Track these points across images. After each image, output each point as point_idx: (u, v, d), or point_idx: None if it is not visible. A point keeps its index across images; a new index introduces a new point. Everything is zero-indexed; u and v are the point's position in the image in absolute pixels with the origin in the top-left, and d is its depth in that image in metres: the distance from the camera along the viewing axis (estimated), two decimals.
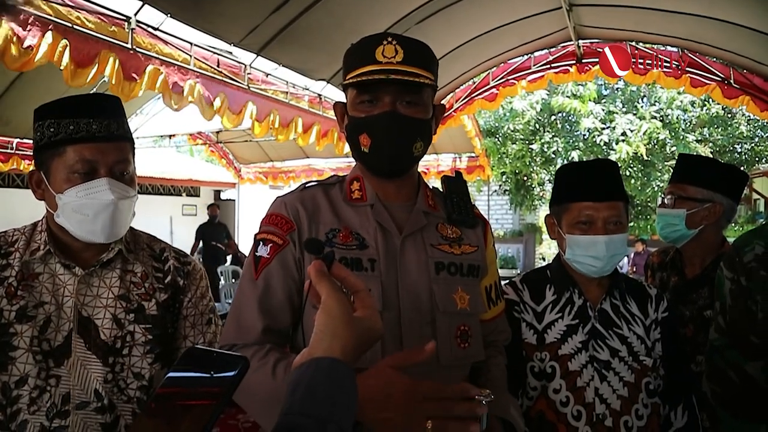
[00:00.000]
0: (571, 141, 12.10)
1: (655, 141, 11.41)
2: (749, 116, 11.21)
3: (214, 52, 4.66)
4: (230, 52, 4.86)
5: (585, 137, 12.12)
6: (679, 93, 11.02)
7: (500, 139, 12.48)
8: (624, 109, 11.95)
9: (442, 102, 6.74)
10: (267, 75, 5.28)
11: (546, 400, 1.45)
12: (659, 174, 11.44)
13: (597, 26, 6.12)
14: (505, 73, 6.94)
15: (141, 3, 3.76)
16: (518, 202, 13.64)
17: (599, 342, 1.47)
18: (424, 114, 1.18)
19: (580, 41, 6.46)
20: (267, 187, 12.07)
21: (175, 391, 0.65)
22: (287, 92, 5.51)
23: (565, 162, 11.01)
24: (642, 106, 12.08)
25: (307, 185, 1.27)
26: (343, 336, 0.75)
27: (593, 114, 11.24)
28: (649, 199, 12.34)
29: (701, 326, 1.81)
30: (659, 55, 6.21)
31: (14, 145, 6.47)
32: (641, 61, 6.24)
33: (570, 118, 12.31)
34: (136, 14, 3.80)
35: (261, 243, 1.18)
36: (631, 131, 11.06)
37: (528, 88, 7.31)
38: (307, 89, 5.80)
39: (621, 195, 1.49)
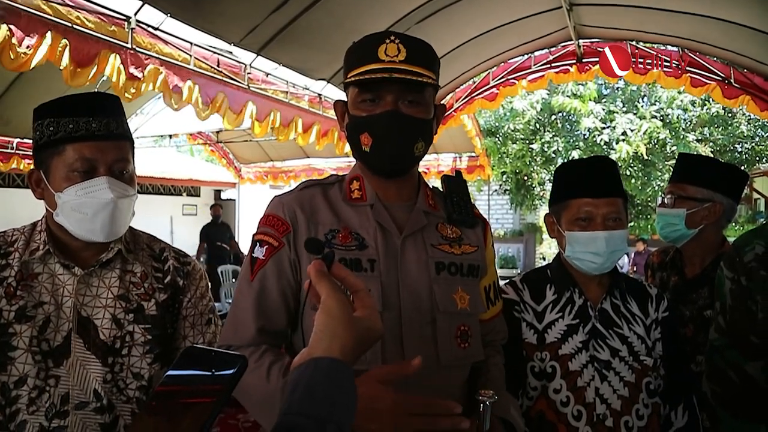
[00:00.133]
0: (571, 140, 12.10)
1: (655, 140, 11.41)
2: (750, 116, 11.20)
3: (214, 52, 4.66)
4: (230, 52, 4.86)
5: (585, 137, 12.12)
6: (679, 92, 11.01)
7: (500, 138, 12.48)
8: (624, 109, 11.94)
9: (443, 102, 6.74)
10: (267, 75, 5.28)
11: (546, 400, 1.45)
12: (659, 173, 11.43)
13: (597, 26, 6.12)
14: (506, 72, 6.94)
15: (141, 3, 3.76)
16: (518, 202, 13.64)
17: (600, 342, 1.47)
18: (425, 114, 1.17)
19: (581, 41, 6.46)
20: (267, 187, 12.07)
21: (175, 389, 0.65)
22: (287, 92, 5.51)
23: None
24: (642, 106, 12.08)
25: (305, 185, 1.27)
26: (342, 336, 0.75)
27: (593, 113, 11.24)
28: (649, 199, 12.33)
29: (701, 326, 1.80)
30: (659, 55, 6.21)
31: (14, 145, 6.48)
32: (641, 60, 6.23)
33: (570, 117, 12.30)
34: (135, 14, 3.80)
35: (258, 244, 1.18)
36: (632, 131, 11.06)
37: (528, 88, 7.31)
38: (307, 89, 5.80)
39: (619, 192, 1.49)
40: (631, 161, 11.15)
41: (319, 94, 5.94)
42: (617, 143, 11.03)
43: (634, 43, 6.31)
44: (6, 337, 1.19)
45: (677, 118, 11.69)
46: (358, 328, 0.77)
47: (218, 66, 4.63)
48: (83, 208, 1.23)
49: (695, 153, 9.16)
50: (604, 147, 11.30)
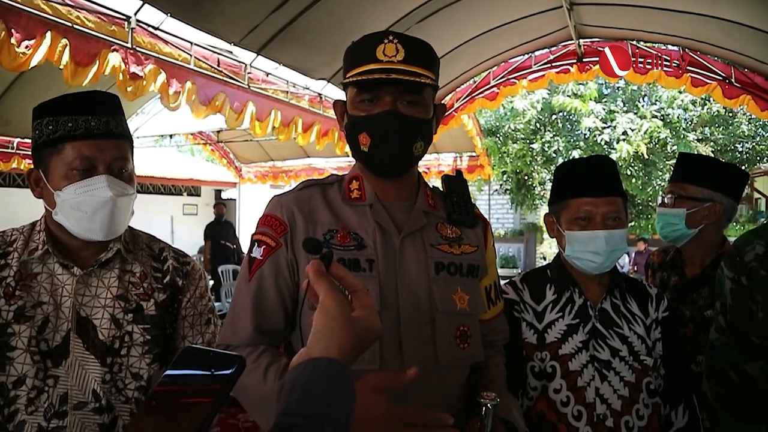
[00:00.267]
0: (571, 140, 12.09)
1: (655, 140, 11.39)
2: (750, 115, 11.18)
3: (215, 52, 4.66)
4: (230, 52, 4.86)
5: (586, 136, 12.10)
6: (680, 92, 11.01)
7: (501, 138, 12.46)
8: (625, 108, 11.93)
9: (443, 101, 6.74)
10: (267, 74, 5.28)
11: (546, 400, 1.45)
12: (660, 173, 11.41)
13: (598, 25, 6.12)
14: (506, 72, 6.94)
15: (141, 2, 3.76)
16: (519, 202, 13.63)
17: (600, 341, 1.47)
18: (424, 113, 1.17)
19: (581, 40, 6.46)
20: (268, 187, 12.08)
21: (174, 388, 0.65)
22: (287, 92, 5.51)
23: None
24: (643, 105, 12.07)
25: (304, 185, 1.27)
26: (340, 336, 0.75)
27: (594, 113, 11.23)
28: (650, 199, 12.32)
29: (701, 326, 1.80)
30: (660, 54, 6.20)
31: (15, 145, 6.48)
32: (642, 60, 6.23)
33: (571, 117, 12.29)
34: (136, 14, 3.80)
35: (256, 244, 1.19)
36: (632, 130, 11.04)
37: (529, 88, 7.31)
38: (308, 89, 5.80)
39: (619, 191, 1.49)
40: (631, 161, 11.13)
41: (320, 94, 5.94)
42: (618, 143, 11.01)
43: (634, 42, 6.30)
44: (5, 337, 1.19)
45: (678, 117, 11.67)
46: (357, 328, 0.77)
47: (218, 66, 4.63)
48: (82, 207, 1.22)
49: (696, 153, 9.15)
50: (605, 147, 11.28)
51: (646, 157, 11.15)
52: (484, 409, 1.00)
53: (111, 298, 1.28)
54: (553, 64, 6.73)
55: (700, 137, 12.01)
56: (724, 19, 4.97)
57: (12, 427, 1.17)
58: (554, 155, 12.13)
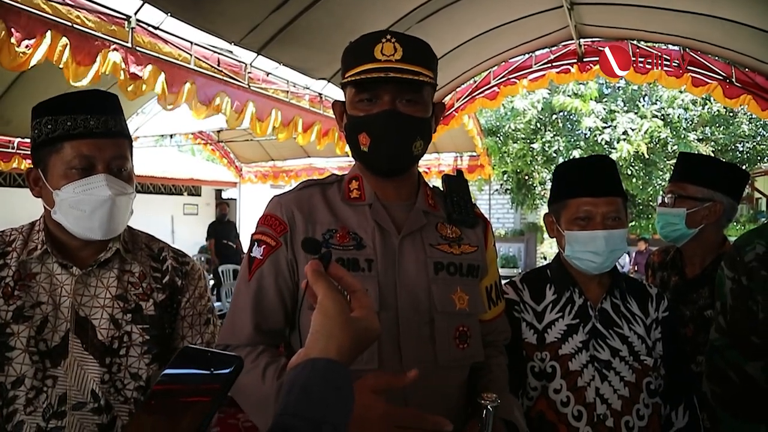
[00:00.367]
0: (572, 140, 12.09)
1: (656, 140, 11.38)
2: (751, 115, 11.17)
3: (215, 52, 4.65)
4: (230, 51, 4.85)
5: (586, 136, 12.10)
6: (680, 92, 11.00)
7: (501, 138, 12.46)
8: (625, 108, 11.92)
9: (443, 101, 6.73)
10: (267, 74, 5.28)
11: (546, 400, 1.45)
12: (660, 173, 11.41)
13: (598, 25, 6.11)
14: (506, 72, 6.93)
15: (141, 2, 3.76)
16: (519, 201, 13.62)
17: (600, 341, 1.46)
18: (423, 112, 1.17)
19: (581, 40, 6.45)
20: (268, 186, 12.08)
21: (173, 387, 0.65)
22: (288, 91, 5.50)
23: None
24: (643, 105, 12.05)
25: (304, 185, 1.26)
26: (339, 336, 0.74)
27: (594, 113, 11.22)
28: (650, 198, 12.31)
29: (701, 326, 1.80)
30: (660, 54, 6.19)
31: (15, 145, 6.47)
32: (642, 60, 6.22)
33: (571, 117, 12.29)
34: (136, 13, 3.80)
35: (256, 244, 1.19)
36: (633, 130, 11.04)
37: (529, 87, 7.30)
38: (308, 88, 5.80)
39: (619, 191, 1.48)
40: (632, 161, 11.13)
41: (320, 94, 5.94)
42: (618, 143, 11.01)
43: (635, 42, 6.30)
44: (3, 337, 1.19)
45: (678, 117, 11.67)
46: (355, 328, 0.77)
47: (219, 65, 4.63)
48: (81, 206, 1.22)
49: (696, 152, 9.15)
50: (605, 146, 11.28)
51: (647, 156, 11.15)
52: (484, 411, 1.00)
53: (110, 298, 1.28)
54: (554, 64, 6.72)
55: (701, 137, 12.00)
56: (724, 19, 4.96)
57: (10, 427, 1.17)
58: (555, 155, 12.13)
